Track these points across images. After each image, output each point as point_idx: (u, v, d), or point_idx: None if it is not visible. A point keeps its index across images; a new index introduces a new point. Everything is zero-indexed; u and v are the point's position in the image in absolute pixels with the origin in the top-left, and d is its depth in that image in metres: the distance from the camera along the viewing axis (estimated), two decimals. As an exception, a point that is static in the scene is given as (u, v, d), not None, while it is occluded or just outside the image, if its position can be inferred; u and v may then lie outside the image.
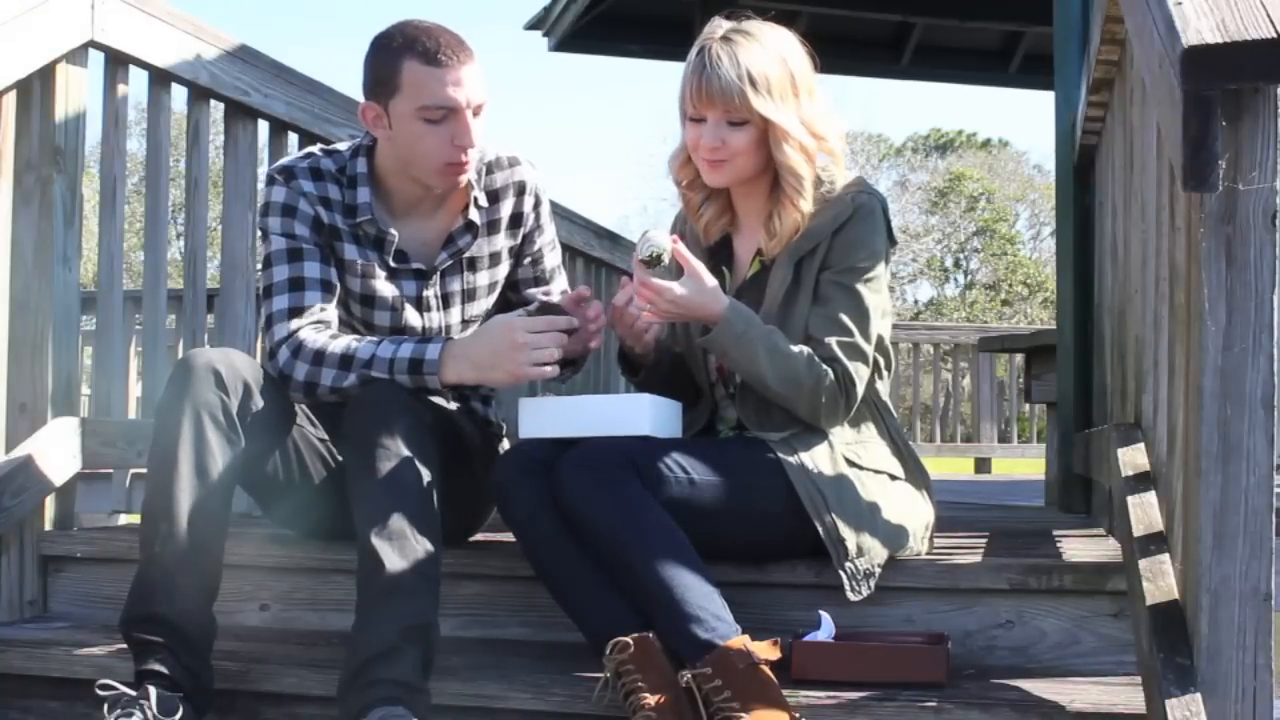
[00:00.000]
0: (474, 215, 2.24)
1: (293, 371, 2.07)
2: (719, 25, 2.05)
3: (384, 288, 2.21)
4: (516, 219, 2.30)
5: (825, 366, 2.01)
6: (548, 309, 2.10)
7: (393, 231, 2.19)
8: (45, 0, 2.31)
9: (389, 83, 2.07)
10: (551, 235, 2.38)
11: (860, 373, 2.03)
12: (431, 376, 2.03)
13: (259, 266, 2.22)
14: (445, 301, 2.27)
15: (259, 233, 2.22)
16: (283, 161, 2.23)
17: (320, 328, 2.11)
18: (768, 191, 2.10)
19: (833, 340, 2.02)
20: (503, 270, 2.32)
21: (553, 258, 2.39)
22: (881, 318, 2.08)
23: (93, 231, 2.94)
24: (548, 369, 2.00)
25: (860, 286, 2.04)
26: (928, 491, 2.15)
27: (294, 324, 2.10)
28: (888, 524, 2.02)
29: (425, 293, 2.24)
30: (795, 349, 2.01)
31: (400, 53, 2.06)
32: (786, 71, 2.03)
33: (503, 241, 2.30)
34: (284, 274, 2.14)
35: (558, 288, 2.39)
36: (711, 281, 2.02)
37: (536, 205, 2.32)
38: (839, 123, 2.10)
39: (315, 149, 2.25)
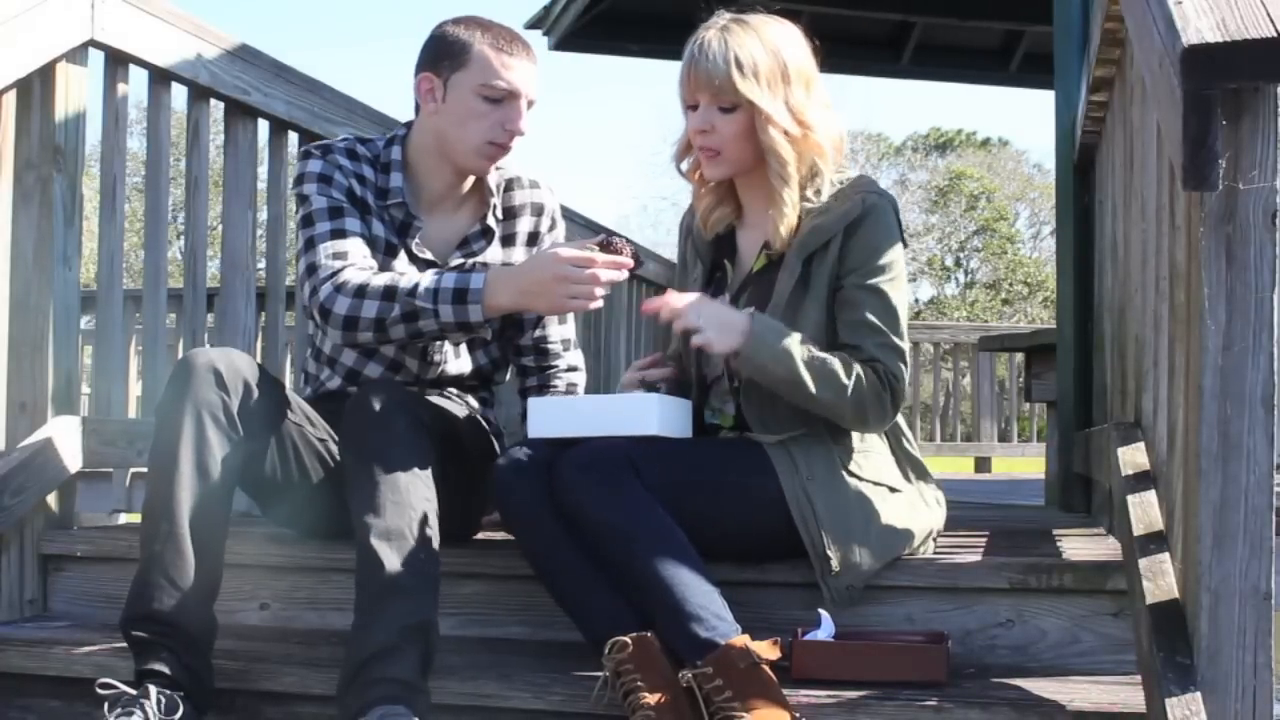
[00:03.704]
0: (491, 222, 2.30)
1: (333, 306, 2.08)
2: (721, 16, 2.06)
3: (402, 269, 2.23)
4: (533, 238, 2.37)
5: (862, 366, 1.98)
6: (608, 247, 2.08)
7: (419, 218, 2.25)
8: (45, -1, 2.32)
9: (457, 57, 2.17)
10: None
11: (901, 372, 2.00)
12: (475, 306, 2.04)
13: (296, 228, 2.24)
14: None
15: (296, 199, 2.24)
16: (319, 141, 2.31)
17: (363, 269, 2.13)
18: (771, 184, 2.09)
19: (868, 342, 2.00)
20: None
21: None
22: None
23: (93, 231, 2.94)
24: (585, 303, 2.02)
25: (884, 286, 2.02)
26: (936, 500, 2.14)
27: (338, 264, 2.13)
28: (880, 538, 2.00)
29: None
30: (827, 355, 1.98)
31: (475, 33, 2.18)
32: (778, 60, 2.02)
33: (518, 256, 2.34)
34: (326, 227, 2.18)
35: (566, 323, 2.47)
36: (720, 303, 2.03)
37: (552, 228, 2.40)
38: (835, 120, 2.08)
39: (350, 135, 2.33)
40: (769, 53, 2.02)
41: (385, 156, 2.28)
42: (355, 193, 2.23)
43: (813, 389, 1.96)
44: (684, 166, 2.16)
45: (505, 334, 2.41)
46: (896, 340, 2.02)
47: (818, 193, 2.06)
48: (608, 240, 2.07)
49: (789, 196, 2.04)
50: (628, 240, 2.16)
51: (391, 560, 1.83)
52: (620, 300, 5.31)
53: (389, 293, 2.06)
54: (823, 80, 2.09)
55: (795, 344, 1.96)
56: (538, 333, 2.44)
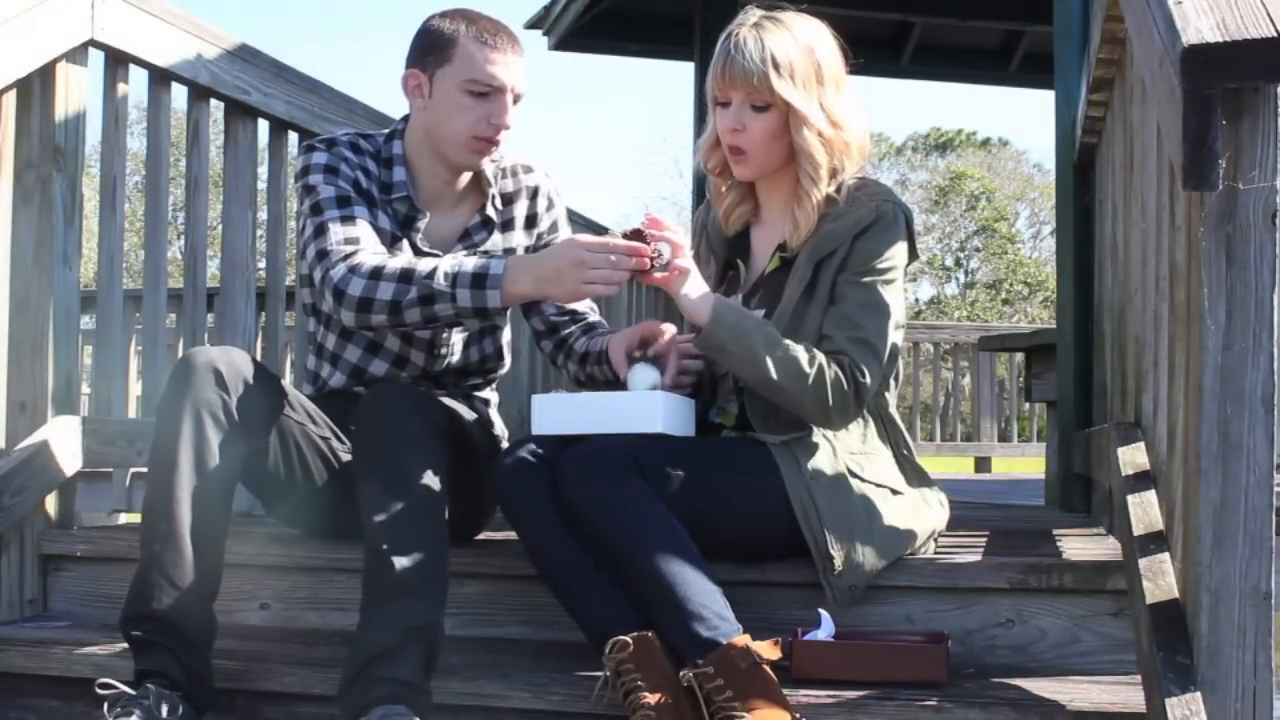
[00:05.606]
0: (490, 212, 2.31)
1: (347, 287, 2.06)
2: (752, 13, 2.05)
3: None
4: (531, 219, 2.37)
5: (828, 359, 1.98)
6: (631, 237, 2.04)
7: (422, 212, 2.25)
8: (45, -1, 2.31)
9: (443, 52, 2.17)
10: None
11: (870, 368, 1.99)
12: (494, 291, 2.02)
13: (304, 216, 2.21)
14: None
15: (301, 190, 2.22)
16: (323, 135, 2.31)
17: (377, 253, 2.12)
18: (793, 185, 2.08)
19: (841, 335, 2.00)
20: None
21: None
22: (894, 329, 2.04)
23: (93, 231, 2.94)
24: (602, 289, 1.99)
25: (873, 284, 2.02)
26: (940, 501, 2.14)
27: (350, 248, 2.12)
28: (883, 538, 2.00)
29: None
30: (791, 342, 1.98)
31: (460, 27, 2.17)
32: (812, 60, 2.02)
33: (519, 239, 2.35)
34: (335, 214, 2.16)
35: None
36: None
37: (550, 207, 2.39)
38: (863, 119, 2.09)
39: (350, 131, 2.34)
40: (803, 51, 2.02)
41: (387, 151, 2.28)
42: (361, 185, 2.22)
43: (773, 373, 1.95)
44: (709, 163, 2.16)
45: (532, 313, 2.38)
46: (873, 338, 2.00)
47: (838, 190, 2.06)
48: (634, 231, 2.05)
49: (815, 196, 2.05)
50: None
51: (400, 561, 1.82)
52: (621, 302, 5.30)
53: (405, 275, 2.04)
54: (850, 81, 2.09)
55: (757, 327, 1.96)
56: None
